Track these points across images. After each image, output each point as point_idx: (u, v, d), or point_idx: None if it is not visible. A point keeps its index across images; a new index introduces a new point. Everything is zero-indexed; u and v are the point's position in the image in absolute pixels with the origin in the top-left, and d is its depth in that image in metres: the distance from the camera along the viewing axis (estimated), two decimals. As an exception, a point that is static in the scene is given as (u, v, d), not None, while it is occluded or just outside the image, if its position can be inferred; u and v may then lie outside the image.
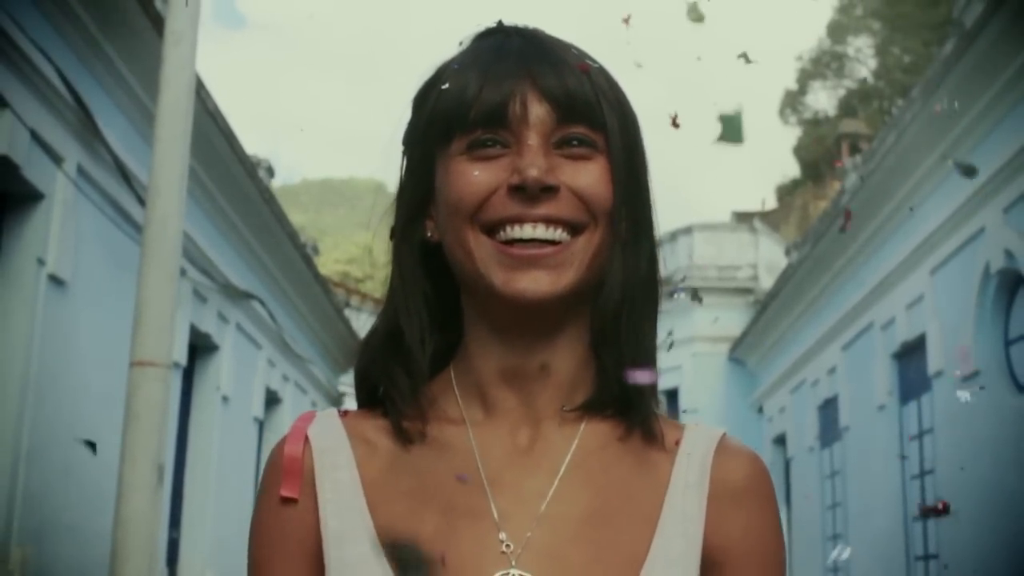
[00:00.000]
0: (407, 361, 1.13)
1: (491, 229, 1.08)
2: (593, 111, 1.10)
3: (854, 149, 23.34)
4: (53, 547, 6.50)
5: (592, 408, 1.14)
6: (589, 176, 1.09)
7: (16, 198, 6.37)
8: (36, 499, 6.29)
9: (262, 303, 11.56)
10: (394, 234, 1.18)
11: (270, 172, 12.91)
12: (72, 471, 6.74)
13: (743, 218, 24.15)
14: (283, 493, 1.10)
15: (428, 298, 1.16)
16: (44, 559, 6.38)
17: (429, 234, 1.15)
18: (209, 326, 10.03)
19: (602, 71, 1.15)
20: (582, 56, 1.15)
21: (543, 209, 1.07)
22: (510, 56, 1.11)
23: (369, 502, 1.09)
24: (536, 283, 1.06)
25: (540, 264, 1.06)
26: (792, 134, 38.70)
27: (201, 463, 10.22)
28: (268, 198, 10.98)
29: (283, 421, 13.61)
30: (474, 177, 1.08)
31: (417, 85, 1.18)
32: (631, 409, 1.14)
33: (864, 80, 34.37)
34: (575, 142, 1.10)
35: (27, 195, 6.38)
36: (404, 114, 1.19)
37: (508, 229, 1.07)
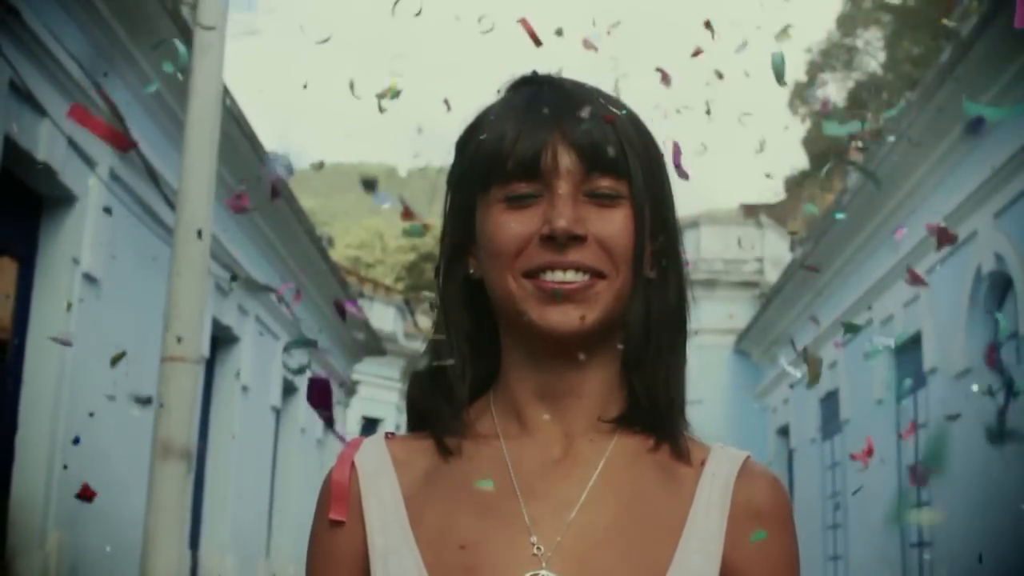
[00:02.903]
0: (449, 391, 1.23)
1: (529, 274, 1.17)
2: (617, 161, 1.18)
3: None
4: (86, 531, 6.79)
5: (622, 424, 1.21)
6: (613, 225, 1.18)
7: (53, 201, 6.69)
8: (71, 486, 6.57)
9: (280, 296, 11.82)
10: (438, 272, 1.28)
11: (289, 170, 13.12)
12: (104, 459, 7.04)
13: (750, 211, 24.30)
14: (332, 516, 1.20)
15: (469, 333, 1.25)
16: (78, 543, 6.70)
17: (472, 271, 1.25)
18: (230, 318, 10.32)
19: (629, 117, 1.23)
20: (609, 103, 1.22)
21: (572, 256, 1.16)
22: (541, 108, 1.19)
23: (409, 515, 1.18)
24: (566, 317, 1.15)
25: (570, 299, 1.16)
26: (801, 126, 38.62)
27: (222, 450, 10.50)
28: (287, 196, 11.23)
29: (299, 410, 13.89)
30: (511, 229, 1.17)
31: (460, 129, 1.28)
32: (660, 426, 1.21)
33: (873, 72, 34.37)
34: (602, 189, 1.18)
35: (63, 198, 6.69)
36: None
37: (542, 275, 1.16)
